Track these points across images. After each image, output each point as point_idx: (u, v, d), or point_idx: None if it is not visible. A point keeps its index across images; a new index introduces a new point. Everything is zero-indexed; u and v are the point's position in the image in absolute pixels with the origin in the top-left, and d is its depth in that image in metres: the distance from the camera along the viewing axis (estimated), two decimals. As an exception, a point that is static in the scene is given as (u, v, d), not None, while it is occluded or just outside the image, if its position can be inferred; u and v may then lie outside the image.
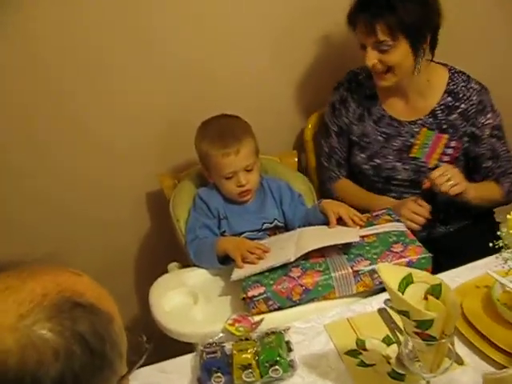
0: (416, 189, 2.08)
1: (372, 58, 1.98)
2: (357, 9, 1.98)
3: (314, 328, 1.60)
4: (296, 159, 2.34)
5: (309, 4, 2.29)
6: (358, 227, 1.85)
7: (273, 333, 1.53)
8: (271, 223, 2.01)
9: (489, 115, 2.07)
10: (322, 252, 1.74)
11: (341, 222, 1.88)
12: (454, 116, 2.08)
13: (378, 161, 2.15)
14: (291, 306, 1.67)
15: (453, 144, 2.08)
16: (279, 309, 1.67)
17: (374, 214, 1.96)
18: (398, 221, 1.89)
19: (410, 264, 1.66)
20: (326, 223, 1.89)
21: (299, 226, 1.99)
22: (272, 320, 1.63)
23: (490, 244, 1.47)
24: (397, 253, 1.69)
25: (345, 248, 1.75)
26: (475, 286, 1.63)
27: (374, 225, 1.87)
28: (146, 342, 0.91)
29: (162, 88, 2.25)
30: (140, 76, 2.21)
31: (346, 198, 2.12)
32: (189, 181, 2.18)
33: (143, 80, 2.22)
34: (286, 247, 1.79)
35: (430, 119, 2.10)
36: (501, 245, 1.46)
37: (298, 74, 2.42)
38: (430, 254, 1.70)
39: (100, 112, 2.21)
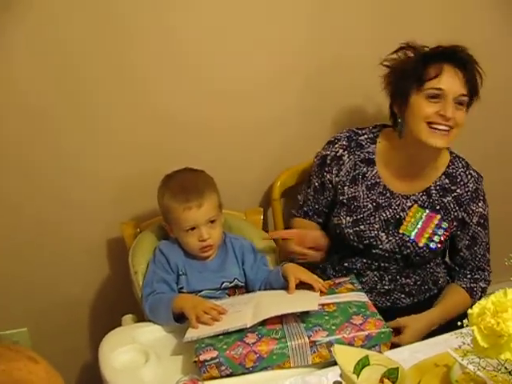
0: (395, 263, 2.05)
1: (452, 110, 1.90)
2: (441, 56, 1.93)
3: (265, 398, 1.54)
4: (262, 217, 2.29)
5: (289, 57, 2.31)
6: (319, 293, 1.80)
7: (223, 402, 1.47)
8: (231, 282, 1.96)
9: (480, 203, 2.07)
10: (279, 318, 1.69)
11: (301, 285, 1.82)
12: (448, 199, 2.05)
13: (362, 227, 2.05)
14: (244, 373, 1.61)
15: (444, 225, 2.04)
16: (231, 375, 1.61)
17: (337, 281, 1.92)
18: (360, 290, 1.85)
19: (368, 338, 1.62)
20: (287, 287, 1.83)
21: (259, 288, 1.94)
22: (223, 386, 1.57)
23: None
24: (356, 325, 1.64)
25: (303, 315, 1.69)
26: (435, 364, 1.58)
27: (336, 293, 1.83)
28: None
29: (131, 137, 2.22)
30: (109, 124, 2.19)
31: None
32: (151, 232, 2.13)
33: (113, 130, 2.20)
34: (244, 311, 1.74)
35: (424, 197, 2.05)
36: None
37: (268, 130, 2.38)
38: (391, 329, 1.66)
39: (68, 156, 2.19)
